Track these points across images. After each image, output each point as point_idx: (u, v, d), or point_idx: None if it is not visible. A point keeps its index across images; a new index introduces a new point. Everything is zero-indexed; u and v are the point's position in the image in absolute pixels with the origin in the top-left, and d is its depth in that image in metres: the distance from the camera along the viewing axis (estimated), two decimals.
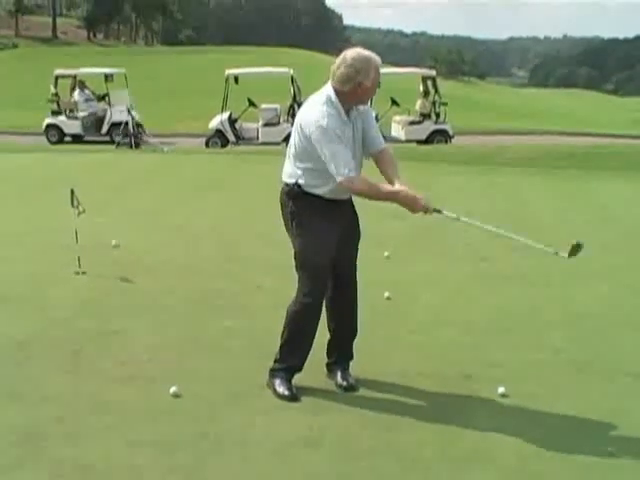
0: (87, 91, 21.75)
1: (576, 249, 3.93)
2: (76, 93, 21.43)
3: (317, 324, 4.14)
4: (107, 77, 21.13)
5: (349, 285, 4.28)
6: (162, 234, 7.96)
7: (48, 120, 21.65)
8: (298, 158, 4.01)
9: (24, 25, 79.45)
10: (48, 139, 21.22)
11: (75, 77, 21.94)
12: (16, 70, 46.26)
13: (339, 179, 3.86)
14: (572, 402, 4.12)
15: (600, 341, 5.09)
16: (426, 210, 3.92)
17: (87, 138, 21.24)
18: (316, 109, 3.92)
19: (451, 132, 20.29)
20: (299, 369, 4.21)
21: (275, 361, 4.22)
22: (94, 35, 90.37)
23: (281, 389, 4.13)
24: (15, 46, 66.59)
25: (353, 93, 3.91)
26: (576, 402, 4.12)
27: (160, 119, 25.29)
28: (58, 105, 21.73)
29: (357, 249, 4.30)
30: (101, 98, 21.81)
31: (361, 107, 4.05)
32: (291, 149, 4.06)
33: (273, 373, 4.21)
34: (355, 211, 4.27)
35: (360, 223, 4.28)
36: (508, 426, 3.82)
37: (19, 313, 5.46)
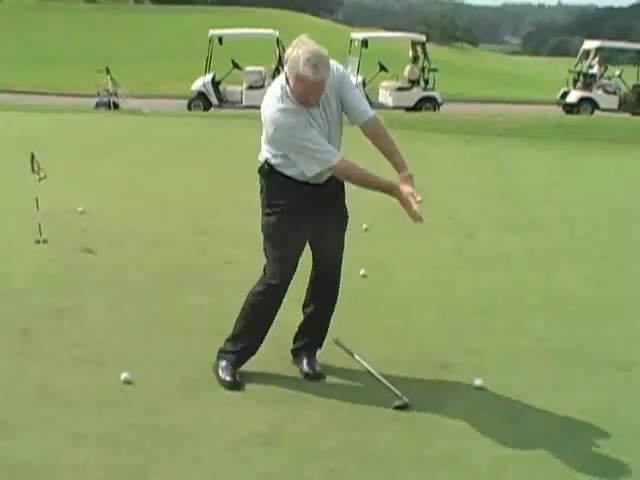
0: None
1: None
2: (595, 67, 20.77)
3: (277, 308, 3.81)
4: None
5: (330, 271, 3.93)
6: (133, 202, 7.59)
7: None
8: (266, 142, 3.66)
9: None
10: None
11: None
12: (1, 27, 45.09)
13: (331, 166, 3.46)
14: (554, 397, 3.83)
15: (585, 328, 4.80)
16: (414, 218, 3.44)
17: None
18: (271, 105, 3.50)
19: (440, 99, 19.84)
20: (252, 353, 3.88)
21: (227, 340, 3.89)
22: None
23: (224, 374, 3.82)
24: None
25: (294, 86, 3.43)
26: (558, 397, 3.84)
27: (142, 80, 24.69)
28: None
29: (342, 235, 3.88)
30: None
31: (333, 77, 3.50)
32: (263, 130, 3.66)
33: (222, 355, 3.89)
34: (340, 192, 3.83)
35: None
36: (484, 424, 3.53)
37: None
